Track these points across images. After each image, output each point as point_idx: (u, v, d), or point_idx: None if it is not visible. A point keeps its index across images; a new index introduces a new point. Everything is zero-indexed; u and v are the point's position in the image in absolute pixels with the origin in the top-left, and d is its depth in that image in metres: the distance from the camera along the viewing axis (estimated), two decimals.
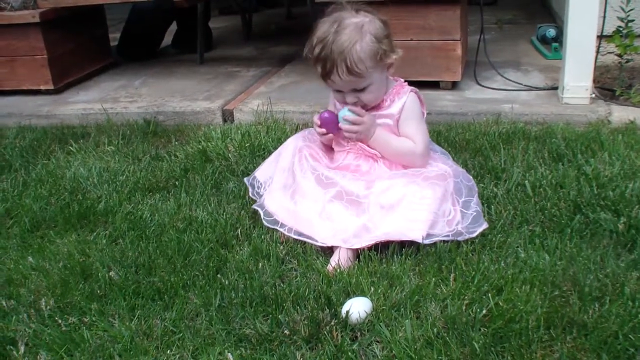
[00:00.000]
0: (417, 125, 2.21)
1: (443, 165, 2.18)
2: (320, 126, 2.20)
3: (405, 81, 2.27)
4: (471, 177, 2.25)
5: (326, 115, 2.19)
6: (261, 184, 2.35)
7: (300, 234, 2.08)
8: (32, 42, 3.92)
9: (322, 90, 3.50)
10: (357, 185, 2.10)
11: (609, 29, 3.27)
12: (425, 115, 2.28)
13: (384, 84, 2.18)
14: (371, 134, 2.16)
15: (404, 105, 2.19)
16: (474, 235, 2.01)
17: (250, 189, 2.37)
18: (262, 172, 2.38)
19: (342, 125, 2.15)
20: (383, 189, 2.06)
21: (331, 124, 2.19)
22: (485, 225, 2.05)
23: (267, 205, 2.20)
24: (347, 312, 1.68)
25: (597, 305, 1.66)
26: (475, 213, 2.08)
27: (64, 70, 4.12)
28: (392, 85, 2.23)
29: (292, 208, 2.14)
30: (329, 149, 2.32)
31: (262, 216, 2.18)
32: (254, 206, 2.25)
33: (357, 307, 1.69)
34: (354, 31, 2.03)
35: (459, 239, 1.98)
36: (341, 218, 2.05)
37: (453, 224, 2.02)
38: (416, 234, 1.96)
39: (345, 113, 2.14)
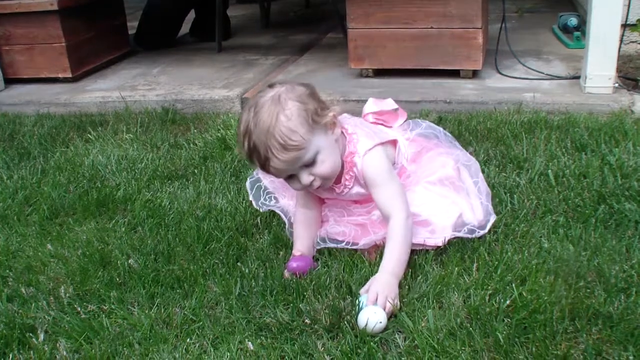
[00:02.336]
0: (386, 189, 1.89)
1: (441, 158, 2.08)
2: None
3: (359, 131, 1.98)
4: (469, 155, 2.20)
5: (295, 265, 1.87)
6: (270, 195, 2.18)
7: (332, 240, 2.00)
8: (50, 30, 3.93)
9: (340, 78, 3.51)
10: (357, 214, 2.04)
11: (632, 18, 3.23)
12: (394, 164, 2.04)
13: (336, 148, 1.88)
14: (399, 278, 1.77)
15: (362, 172, 1.91)
16: (487, 230, 1.95)
17: (254, 202, 2.18)
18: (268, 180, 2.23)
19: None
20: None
21: (307, 267, 1.89)
22: (494, 218, 1.99)
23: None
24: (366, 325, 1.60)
25: (622, 297, 1.64)
26: (482, 205, 2.02)
27: (82, 58, 4.12)
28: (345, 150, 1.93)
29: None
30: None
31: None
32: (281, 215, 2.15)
33: (375, 318, 1.61)
34: (272, 105, 1.75)
35: (473, 236, 1.93)
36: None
37: (467, 218, 1.96)
38: (439, 240, 1.90)
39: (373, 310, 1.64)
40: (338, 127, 1.87)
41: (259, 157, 1.76)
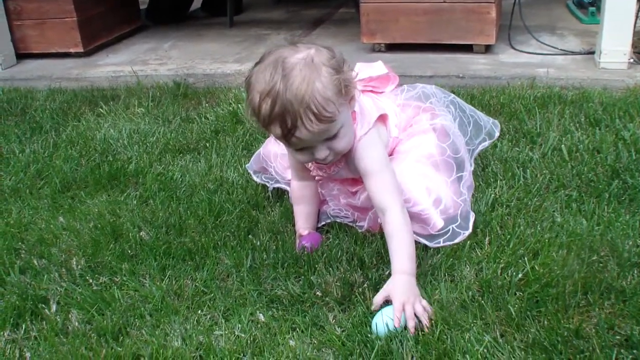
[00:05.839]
0: (379, 180, 1.73)
1: (424, 147, 1.95)
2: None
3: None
4: (458, 134, 2.02)
5: (308, 245, 1.83)
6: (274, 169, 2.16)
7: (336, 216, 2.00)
8: (61, 4, 3.93)
9: (352, 53, 3.49)
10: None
11: None
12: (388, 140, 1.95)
13: (352, 123, 1.74)
14: (415, 275, 1.64)
15: (354, 158, 1.78)
16: (469, 231, 1.83)
17: (256, 178, 2.21)
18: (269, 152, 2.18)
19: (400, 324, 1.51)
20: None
21: (318, 244, 1.87)
22: (473, 217, 1.87)
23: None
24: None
25: (636, 271, 1.63)
26: (462, 203, 1.89)
27: (94, 33, 4.11)
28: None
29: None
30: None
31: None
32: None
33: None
34: (305, 68, 1.55)
35: (456, 240, 1.81)
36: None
37: (448, 211, 1.85)
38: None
39: (387, 325, 1.50)
40: (354, 100, 1.73)
41: (283, 124, 1.56)
